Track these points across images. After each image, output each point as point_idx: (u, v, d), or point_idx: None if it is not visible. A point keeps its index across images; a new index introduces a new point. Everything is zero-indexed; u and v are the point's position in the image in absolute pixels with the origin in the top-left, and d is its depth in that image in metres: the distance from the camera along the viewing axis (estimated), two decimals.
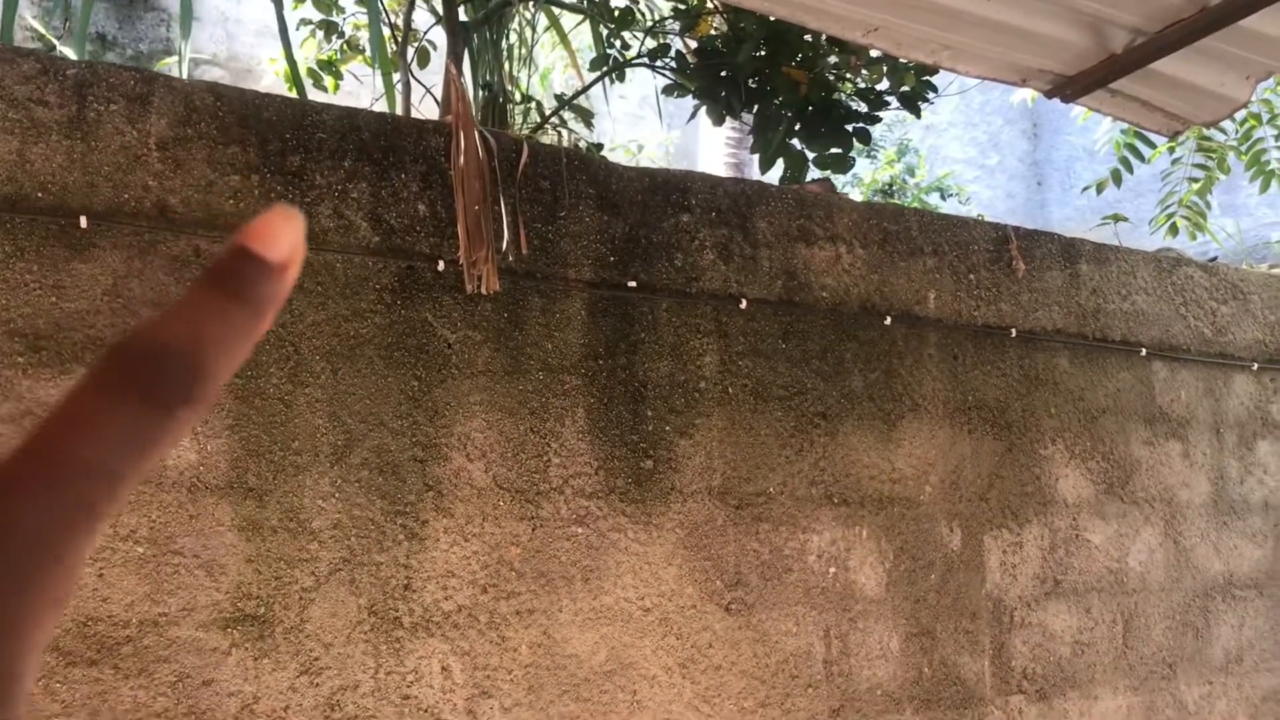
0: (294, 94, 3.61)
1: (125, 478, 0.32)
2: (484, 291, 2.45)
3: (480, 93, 3.58)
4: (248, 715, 2.19)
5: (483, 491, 2.47)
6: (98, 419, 0.32)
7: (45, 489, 0.31)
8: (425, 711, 2.35)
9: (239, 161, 2.34)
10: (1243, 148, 4.76)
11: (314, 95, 4.03)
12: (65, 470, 0.31)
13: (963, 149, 11.41)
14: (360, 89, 4.77)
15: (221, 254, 0.35)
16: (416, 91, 3.90)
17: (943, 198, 8.58)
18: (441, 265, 2.50)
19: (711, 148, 7.07)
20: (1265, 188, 4.75)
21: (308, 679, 2.25)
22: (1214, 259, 4.20)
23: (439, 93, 3.75)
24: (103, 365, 0.33)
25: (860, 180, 8.39)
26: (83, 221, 2.17)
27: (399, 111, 3.67)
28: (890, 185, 8.23)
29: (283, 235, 0.35)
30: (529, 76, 4.62)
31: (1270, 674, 3.70)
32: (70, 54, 3.74)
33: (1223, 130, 4.70)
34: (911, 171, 8.60)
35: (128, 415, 0.32)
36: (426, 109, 4.08)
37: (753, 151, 3.97)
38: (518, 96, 3.98)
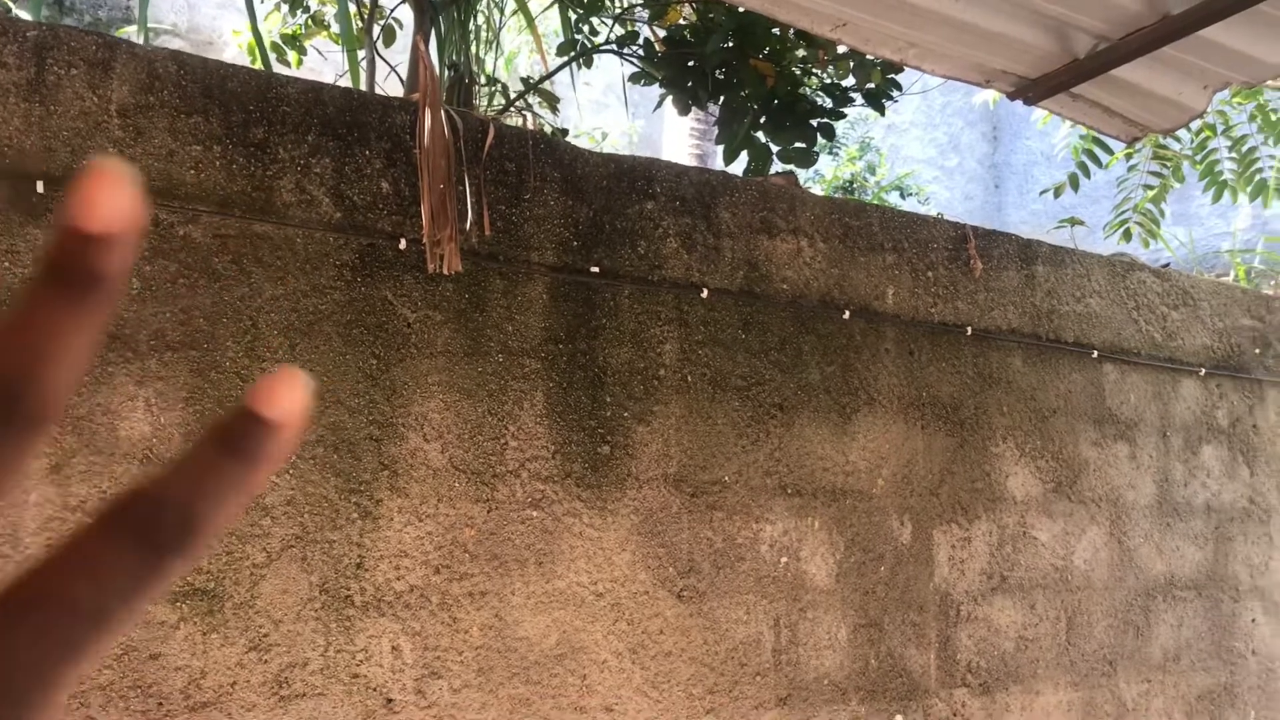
0: (258, 66, 3.57)
1: (112, 619, 0.34)
2: (446, 271, 2.44)
3: (446, 73, 3.56)
4: (194, 690, 2.17)
5: (438, 472, 2.47)
6: (94, 561, 0.34)
7: (34, 625, 0.32)
8: (374, 691, 2.34)
9: (201, 132, 2.32)
10: (1197, 157, 4.85)
11: (277, 70, 3.99)
12: (56, 609, 0.33)
13: (923, 149, 11.51)
14: (324, 65, 4.72)
15: (227, 413, 0.39)
16: (381, 70, 3.87)
17: (902, 196, 8.65)
18: (403, 244, 2.48)
19: (676, 138, 7.08)
20: (1217, 198, 4.83)
21: (256, 655, 2.24)
22: (1166, 265, 4.27)
23: (404, 72, 3.72)
24: (106, 512, 0.34)
25: (822, 177, 8.43)
26: (39, 186, 2.13)
27: (363, 89, 3.63)
28: (851, 183, 8.29)
29: (285, 396, 0.38)
30: (495, 59, 4.60)
31: (1206, 673, 3.78)
32: (26, 16, 3.67)
33: (1178, 139, 4.78)
34: (872, 170, 8.66)
35: (123, 560, 0.34)
36: (391, 88, 4.05)
37: (717, 143, 3.98)
38: (483, 78, 3.96)
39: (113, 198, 0.35)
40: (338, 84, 2.66)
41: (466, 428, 2.52)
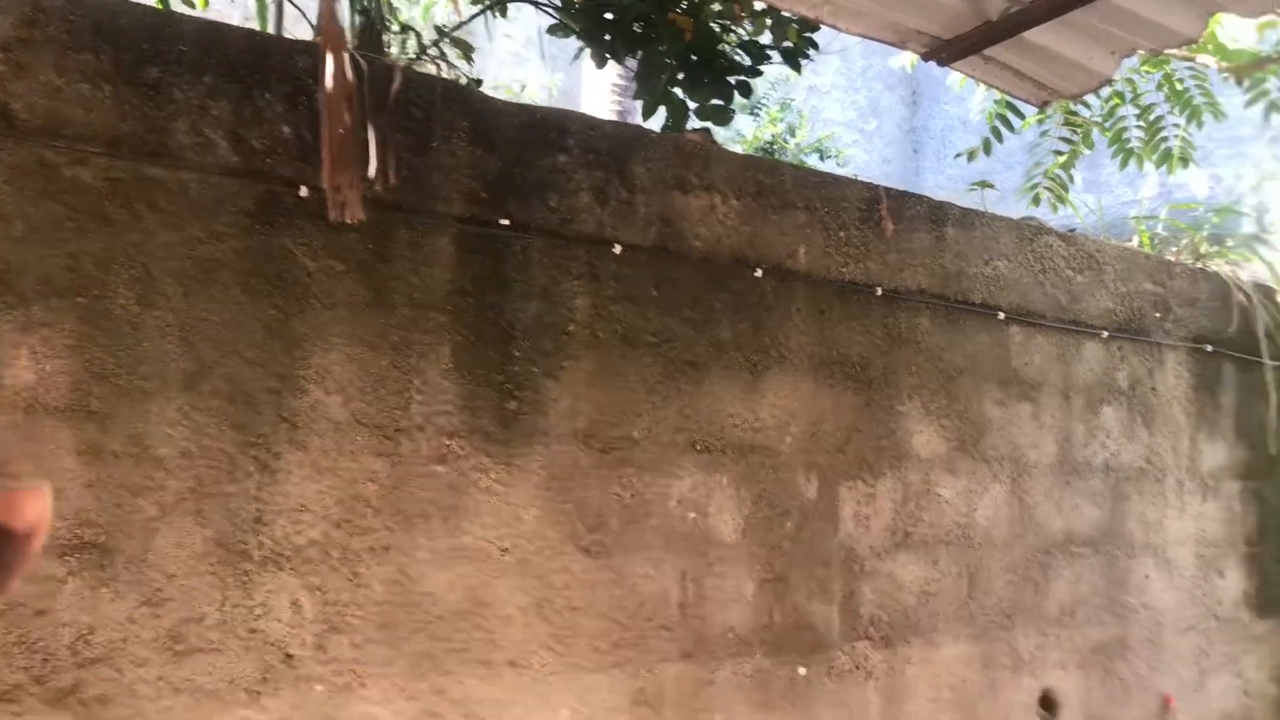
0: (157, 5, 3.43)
1: None
2: (347, 220, 2.38)
3: (356, 18, 3.46)
4: (83, 646, 2.12)
5: (340, 426, 2.42)
6: None
7: None
8: (273, 645, 2.30)
9: (90, 69, 2.22)
10: (1106, 124, 4.93)
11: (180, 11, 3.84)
12: None
13: (843, 112, 11.57)
14: (231, 8, 4.57)
15: None
16: (290, 14, 3.75)
17: (821, 159, 8.69)
18: (305, 191, 2.41)
19: (596, 93, 7.01)
20: (1124, 164, 4.93)
21: (149, 610, 2.18)
22: (1072, 230, 4.35)
23: (315, 17, 3.61)
24: None
25: (743, 138, 8.43)
26: None
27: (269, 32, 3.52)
28: (771, 144, 8.31)
29: (28, 508, 0.47)
30: (411, 6, 4.49)
31: (1100, 627, 3.89)
32: None
33: (1088, 106, 4.85)
34: (793, 131, 8.68)
35: None
36: (301, 33, 3.93)
37: (635, 98, 3.95)
38: (396, 25, 3.86)
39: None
40: (241, 25, 2.57)
41: (369, 381, 2.47)
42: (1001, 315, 3.70)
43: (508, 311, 2.69)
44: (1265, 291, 4.56)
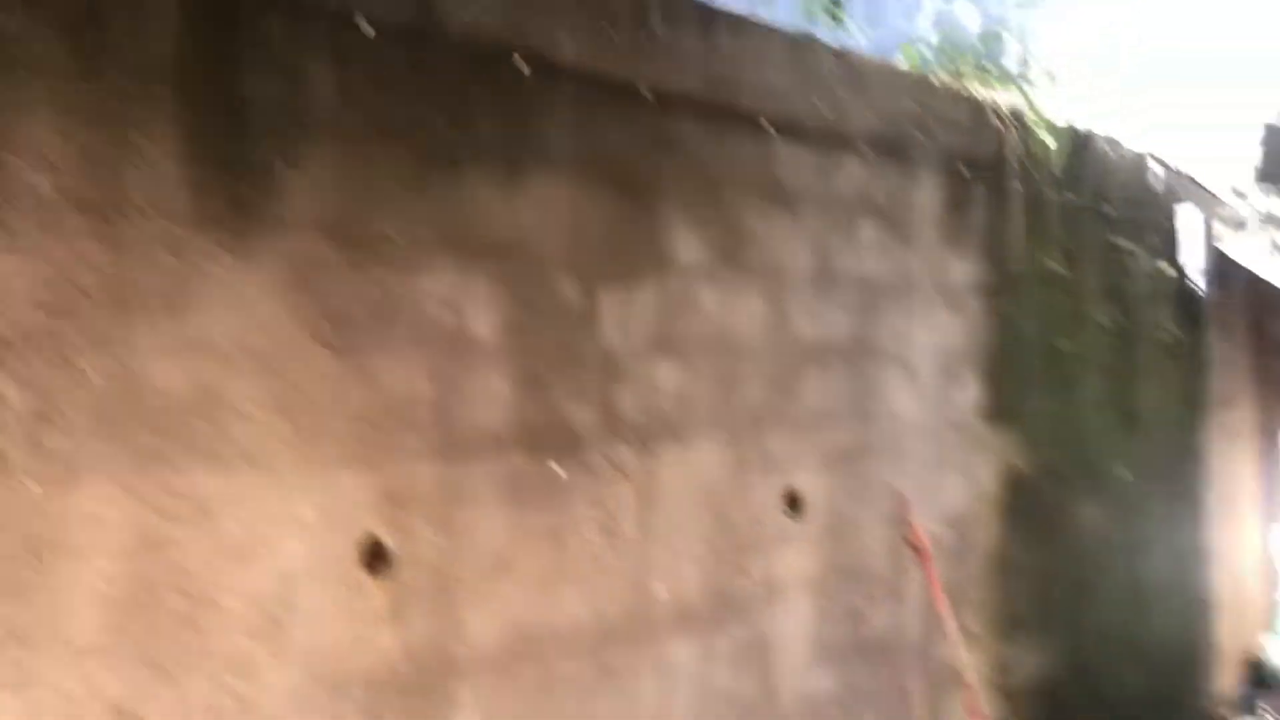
0: None
1: None
2: None
3: None
4: None
5: (47, 204, 2.19)
6: None
7: None
8: None
9: None
10: None
11: None
12: None
13: None
14: None
15: None
16: None
17: None
18: None
19: None
20: None
21: None
22: (844, 49, 4.37)
23: None
24: None
25: None
26: None
27: None
28: None
29: None
30: None
31: (844, 431, 4.09)
32: None
33: None
34: None
35: None
36: None
37: None
38: None
39: None
40: None
41: (82, 158, 2.24)
42: (769, 126, 3.71)
43: (243, 90, 2.49)
44: (1019, 117, 4.75)
